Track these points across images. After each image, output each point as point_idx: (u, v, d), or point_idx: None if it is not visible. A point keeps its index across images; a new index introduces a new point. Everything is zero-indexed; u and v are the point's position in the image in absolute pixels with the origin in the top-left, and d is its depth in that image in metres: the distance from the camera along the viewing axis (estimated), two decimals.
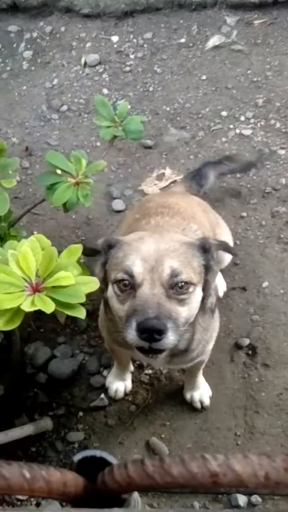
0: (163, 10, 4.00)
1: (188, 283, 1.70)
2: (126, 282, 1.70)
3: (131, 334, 1.64)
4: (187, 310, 1.72)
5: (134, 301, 1.67)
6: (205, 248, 1.80)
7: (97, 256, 1.89)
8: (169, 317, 1.64)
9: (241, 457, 0.55)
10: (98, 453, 0.66)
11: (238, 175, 3.33)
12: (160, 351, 1.72)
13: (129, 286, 1.71)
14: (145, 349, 1.71)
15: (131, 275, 1.69)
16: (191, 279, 1.71)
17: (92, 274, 1.87)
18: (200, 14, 3.96)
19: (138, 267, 1.69)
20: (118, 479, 0.59)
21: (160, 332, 1.61)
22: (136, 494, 0.75)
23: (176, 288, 1.69)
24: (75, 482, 0.61)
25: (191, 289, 1.72)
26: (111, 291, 1.79)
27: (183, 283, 1.69)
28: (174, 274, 1.68)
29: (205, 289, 1.81)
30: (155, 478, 0.56)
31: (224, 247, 1.93)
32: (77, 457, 0.68)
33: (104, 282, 1.85)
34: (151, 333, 1.61)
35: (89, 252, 1.93)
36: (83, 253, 1.87)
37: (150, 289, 1.67)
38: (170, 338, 1.64)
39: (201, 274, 1.78)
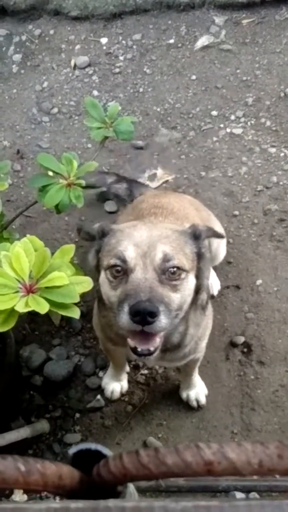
0: (152, 11, 4.01)
1: (180, 269, 1.71)
2: (119, 268, 1.71)
3: (124, 318, 1.64)
4: (180, 296, 1.72)
5: (126, 286, 1.68)
6: (196, 235, 1.82)
7: (92, 242, 1.90)
8: (161, 301, 1.64)
9: (235, 445, 0.56)
10: (93, 446, 0.66)
11: (230, 174, 3.34)
12: (152, 352, 1.72)
13: (121, 272, 1.71)
14: (138, 351, 1.71)
15: (124, 260, 1.70)
16: (183, 265, 1.72)
17: (85, 272, 1.87)
18: (188, 15, 3.98)
19: (130, 252, 1.69)
20: (113, 471, 0.60)
21: (153, 315, 1.61)
22: (132, 487, 0.75)
23: (168, 273, 1.69)
24: (70, 474, 0.61)
25: (183, 275, 1.72)
26: (103, 277, 1.79)
27: (175, 269, 1.70)
28: (166, 259, 1.69)
29: (199, 277, 1.82)
30: (150, 468, 0.57)
31: (212, 232, 1.95)
32: (72, 451, 0.68)
33: (97, 269, 1.86)
34: (143, 315, 1.60)
35: (86, 236, 1.94)
36: (80, 235, 1.88)
37: (142, 274, 1.67)
38: (163, 322, 1.63)
39: (193, 262, 1.79)
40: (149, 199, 2.57)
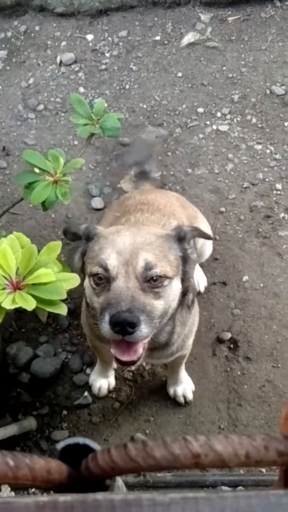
0: (137, 8, 4.00)
1: (162, 277, 1.71)
2: (101, 275, 1.71)
3: (105, 327, 1.66)
4: (163, 303, 1.73)
5: (108, 295, 1.68)
6: (180, 237, 1.82)
7: (79, 241, 1.90)
8: (143, 310, 1.65)
9: (222, 437, 0.56)
10: (81, 440, 0.67)
11: (216, 171, 3.36)
12: (135, 362, 1.74)
13: (104, 279, 1.71)
14: (121, 360, 1.73)
15: (106, 269, 1.70)
16: (167, 272, 1.72)
17: (72, 269, 1.87)
18: (174, 12, 3.98)
19: (112, 261, 1.69)
20: (101, 464, 0.60)
21: (132, 325, 1.62)
22: (120, 481, 0.75)
23: (150, 281, 1.70)
24: (59, 469, 0.62)
25: (166, 283, 1.73)
26: (87, 283, 1.80)
27: (157, 276, 1.70)
28: (148, 267, 1.69)
29: (184, 280, 1.82)
30: (138, 462, 0.57)
31: (198, 232, 1.95)
32: (60, 445, 0.68)
33: (82, 271, 1.86)
34: (123, 326, 1.62)
35: (72, 237, 1.94)
36: (66, 237, 1.88)
37: (124, 282, 1.67)
38: (143, 331, 1.65)
39: (178, 267, 1.79)
40: (135, 196, 2.57)
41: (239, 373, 2.78)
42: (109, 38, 3.93)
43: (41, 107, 3.68)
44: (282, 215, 3.21)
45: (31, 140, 3.54)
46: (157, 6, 3.98)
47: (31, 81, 3.79)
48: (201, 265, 2.93)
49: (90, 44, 3.92)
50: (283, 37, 3.87)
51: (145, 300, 1.67)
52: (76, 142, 3.51)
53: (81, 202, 3.28)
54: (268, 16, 3.93)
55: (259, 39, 3.87)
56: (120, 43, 3.90)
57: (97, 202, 3.27)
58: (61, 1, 3.96)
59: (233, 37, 3.87)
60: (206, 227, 2.81)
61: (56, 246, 1.85)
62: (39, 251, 1.83)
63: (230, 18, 3.94)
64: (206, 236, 2.16)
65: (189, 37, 3.89)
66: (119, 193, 3.27)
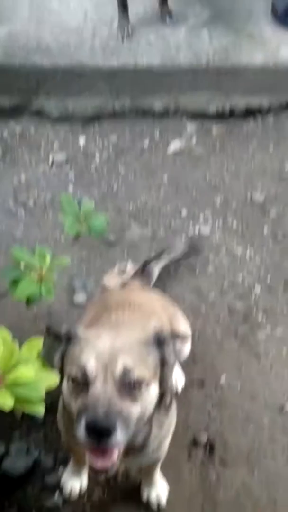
0: (128, 115, 4.29)
1: (141, 381, 1.73)
2: (80, 379, 1.72)
3: (81, 432, 1.65)
4: (140, 408, 1.73)
5: (85, 398, 1.69)
6: (160, 341, 1.85)
7: (60, 342, 1.89)
8: (120, 415, 1.65)
9: None
10: None
11: (197, 272, 3.45)
12: (109, 468, 1.73)
13: (82, 382, 1.72)
14: (95, 467, 1.72)
15: (85, 372, 1.71)
16: (144, 376, 1.74)
17: (50, 364, 1.87)
18: (162, 121, 4.26)
19: (91, 365, 1.71)
20: None
21: (108, 432, 1.62)
22: None
23: (128, 385, 1.71)
24: None
25: (144, 387, 1.74)
26: (65, 384, 1.80)
27: (135, 381, 1.71)
28: (126, 371, 1.70)
29: (162, 382, 1.83)
30: None
31: (177, 339, 1.98)
32: None
33: (61, 372, 1.86)
34: (99, 432, 1.62)
35: (54, 337, 1.91)
36: (50, 337, 1.87)
37: (102, 387, 1.68)
38: (119, 437, 1.64)
39: (156, 371, 1.80)
40: (117, 294, 2.63)
41: (214, 478, 2.72)
42: (100, 142, 4.15)
43: (31, 203, 3.82)
44: (260, 317, 3.28)
45: (19, 234, 3.64)
46: (147, 115, 4.27)
47: (23, 178, 3.96)
48: (179, 364, 2.95)
49: (82, 147, 4.14)
50: (263, 149, 4.14)
51: (122, 405, 1.67)
52: (62, 238, 3.61)
53: (63, 296, 3.33)
54: (250, 130, 4.22)
55: (241, 150, 4.12)
56: (110, 147, 4.13)
57: (80, 297, 3.32)
58: (56, 106, 4.23)
59: (217, 147, 4.13)
60: (185, 326, 2.85)
61: (37, 343, 1.87)
62: (19, 344, 1.83)
63: (214, 130, 4.22)
64: (184, 341, 2.19)
65: (175, 145, 4.14)
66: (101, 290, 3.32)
